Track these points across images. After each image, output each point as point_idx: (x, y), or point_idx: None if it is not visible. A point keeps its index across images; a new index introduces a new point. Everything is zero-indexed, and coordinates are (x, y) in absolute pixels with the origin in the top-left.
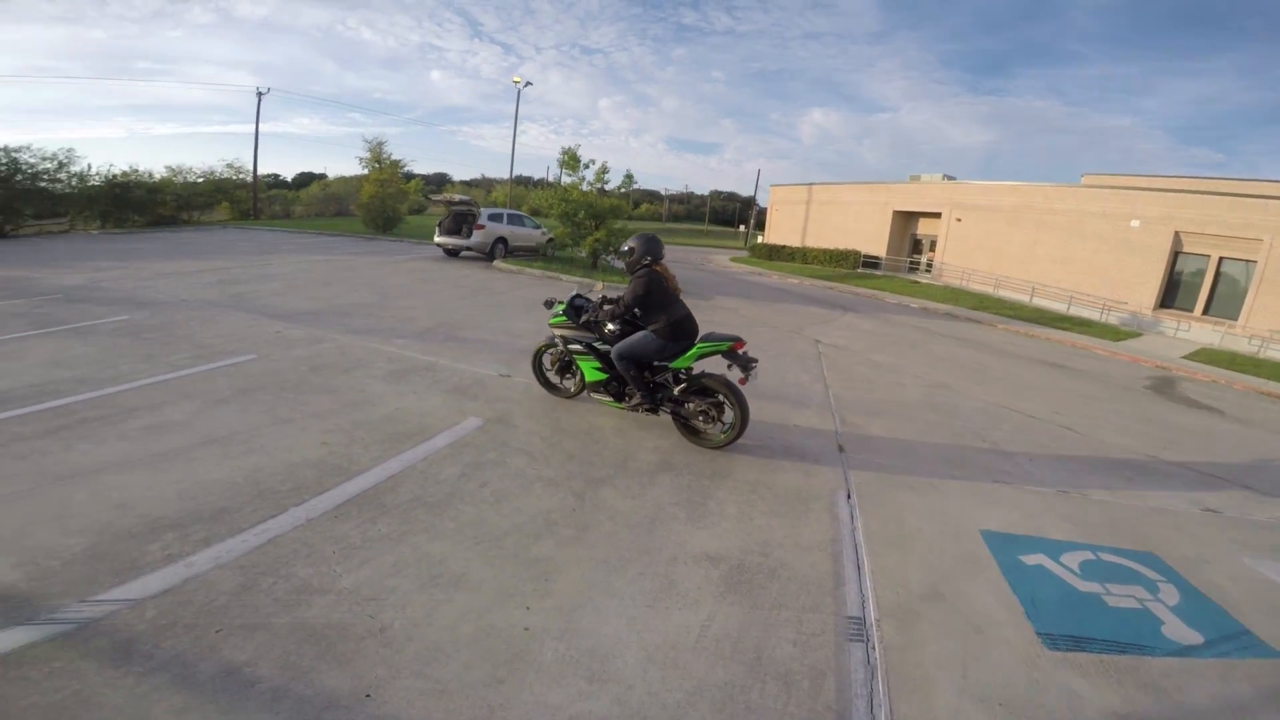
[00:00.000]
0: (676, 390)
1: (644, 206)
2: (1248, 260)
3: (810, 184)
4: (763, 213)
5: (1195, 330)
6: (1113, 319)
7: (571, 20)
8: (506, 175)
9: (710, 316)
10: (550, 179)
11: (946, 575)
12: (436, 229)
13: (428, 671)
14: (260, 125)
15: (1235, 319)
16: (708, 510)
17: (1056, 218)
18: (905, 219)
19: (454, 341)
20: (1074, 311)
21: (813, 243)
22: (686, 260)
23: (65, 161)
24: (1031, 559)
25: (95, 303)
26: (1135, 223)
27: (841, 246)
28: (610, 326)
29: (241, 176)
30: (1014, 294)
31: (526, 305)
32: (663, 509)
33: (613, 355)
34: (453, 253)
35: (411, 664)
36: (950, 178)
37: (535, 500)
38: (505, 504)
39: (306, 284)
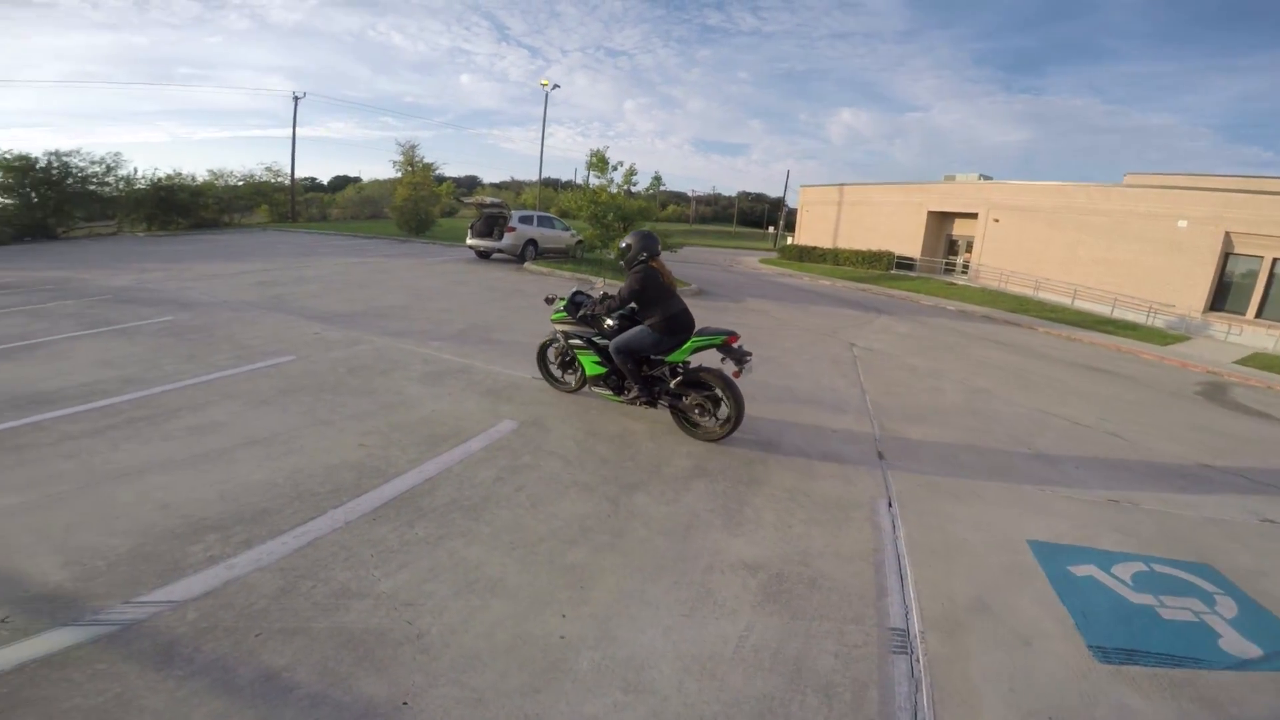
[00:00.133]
0: (672, 383)
1: (671, 208)
2: None
3: (841, 184)
4: (792, 214)
5: (1248, 334)
6: (1159, 322)
7: (596, 23)
8: (535, 177)
9: (741, 319)
10: (578, 181)
11: (993, 586)
12: (468, 231)
13: (464, 680)
14: (297, 129)
15: None
16: (744, 518)
17: (1099, 218)
18: (940, 220)
19: (487, 344)
20: (1118, 314)
21: (844, 244)
22: (714, 262)
23: (113, 165)
24: (1081, 570)
25: (141, 303)
26: (1182, 223)
27: (874, 248)
28: (609, 322)
29: (280, 180)
30: (1055, 296)
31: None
32: (698, 516)
33: (610, 349)
34: (484, 255)
35: (448, 672)
36: (986, 177)
37: (570, 505)
38: (540, 509)
39: (343, 286)
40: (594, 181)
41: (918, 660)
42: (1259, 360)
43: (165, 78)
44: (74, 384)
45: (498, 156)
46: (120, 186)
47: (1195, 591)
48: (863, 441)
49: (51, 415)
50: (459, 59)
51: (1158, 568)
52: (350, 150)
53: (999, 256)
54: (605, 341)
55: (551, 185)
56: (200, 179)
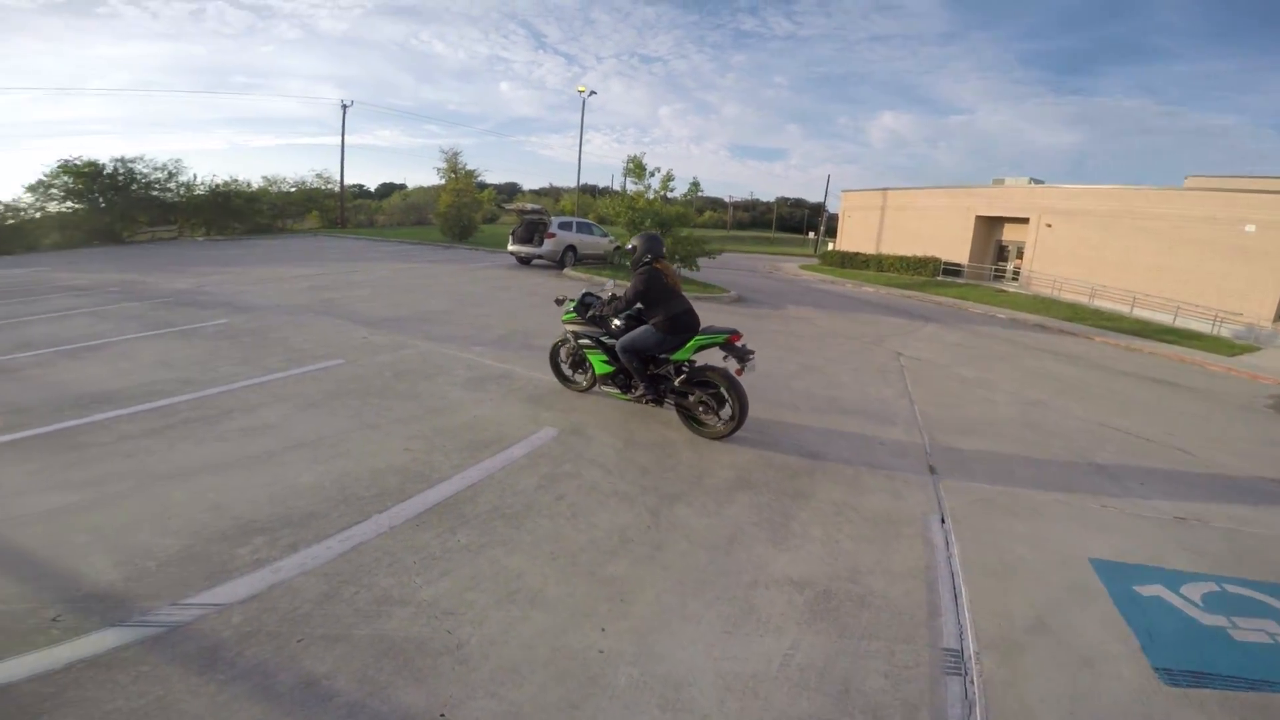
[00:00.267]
0: (677, 381)
1: (708, 214)
2: None
3: (885, 189)
4: (833, 219)
5: None
6: (1225, 331)
7: (629, 29)
8: (572, 184)
9: (783, 327)
10: (615, 187)
11: (1053, 606)
12: (510, 237)
13: (502, 693)
14: (345, 137)
15: None
16: (790, 532)
17: (1158, 223)
18: (989, 224)
19: (528, 349)
20: (1180, 323)
21: (888, 249)
22: (753, 268)
23: (174, 171)
24: (1148, 590)
25: (200, 306)
26: (1250, 227)
27: (920, 253)
28: (616, 322)
29: (330, 186)
30: (1111, 304)
31: None
32: (742, 529)
33: (617, 348)
34: (525, 260)
35: (486, 684)
36: (1038, 181)
37: (610, 515)
38: (580, 518)
39: (390, 291)
40: (631, 187)
41: (972, 682)
42: None
43: (222, 86)
44: (134, 384)
45: (537, 163)
46: (181, 192)
47: (1271, 613)
48: (912, 454)
49: (112, 414)
50: (498, 66)
51: (1230, 588)
52: (396, 158)
53: (1051, 262)
54: (613, 341)
55: (589, 191)
56: (255, 185)
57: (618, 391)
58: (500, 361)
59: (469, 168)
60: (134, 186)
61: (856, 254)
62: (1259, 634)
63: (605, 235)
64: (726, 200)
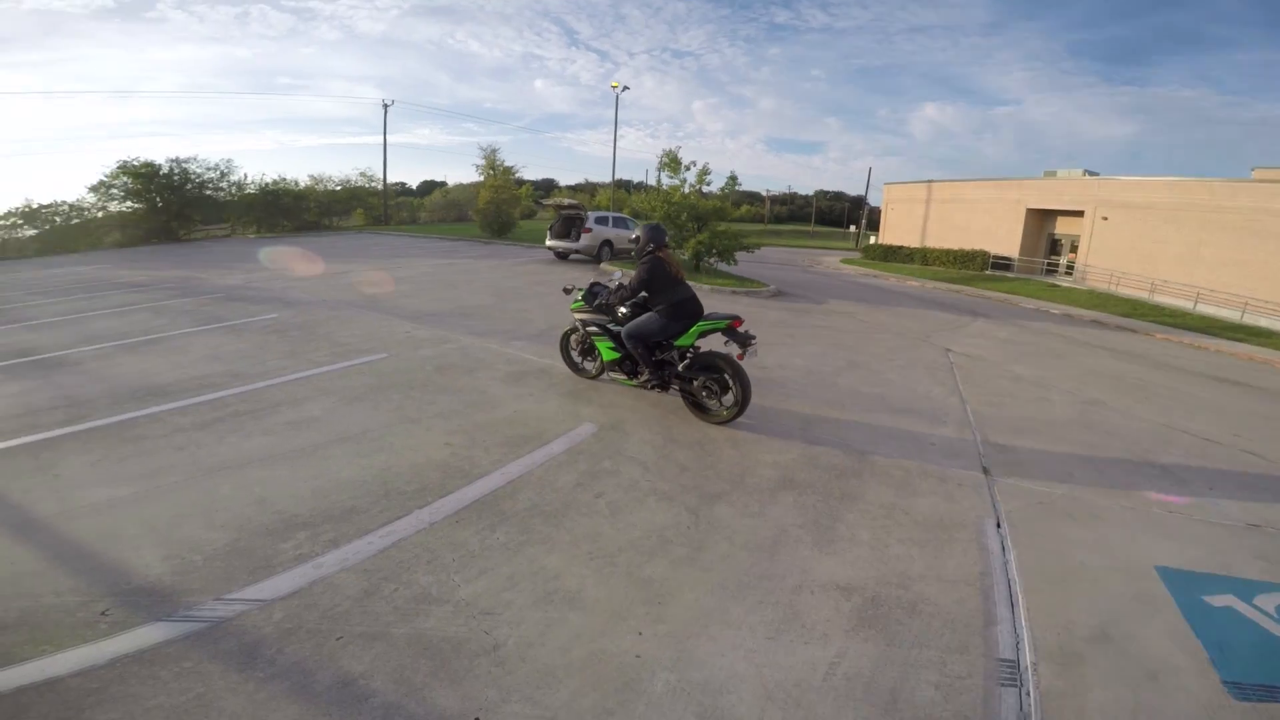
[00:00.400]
0: (680, 366)
1: (744, 208)
2: None
3: (929, 181)
4: (874, 212)
5: None
6: None
7: (661, 25)
8: (607, 179)
9: (825, 322)
10: (649, 182)
11: (1116, 615)
12: (547, 233)
13: (538, 697)
14: (387, 136)
15: None
16: (837, 535)
17: (1226, 216)
18: (1040, 217)
19: None
20: (1249, 320)
21: (933, 243)
22: (793, 262)
23: (226, 171)
24: (1219, 600)
25: (249, 301)
26: None
27: (967, 247)
28: (622, 310)
29: (373, 185)
30: (1173, 300)
31: None
32: (785, 531)
33: (623, 335)
34: (562, 255)
35: (522, 687)
36: (1092, 173)
37: (649, 514)
38: (619, 517)
39: (432, 286)
40: (666, 182)
41: (1028, 693)
42: None
43: (268, 88)
44: (187, 377)
45: (572, 159)
46: (232, 191)
47: None
48: (965, 455)
49: (166, 407)
50: (532, 64)
51: None
52: (436, 156)
53: (1108, 256)
54: (619, 328)
55: (623, 186)
56: (302, 184)
57: (624, 377)
58: (540, 356)
59: (507, 164)
60: (188, 186)
61: (900, 247)
62: None
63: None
64: (763, 194)
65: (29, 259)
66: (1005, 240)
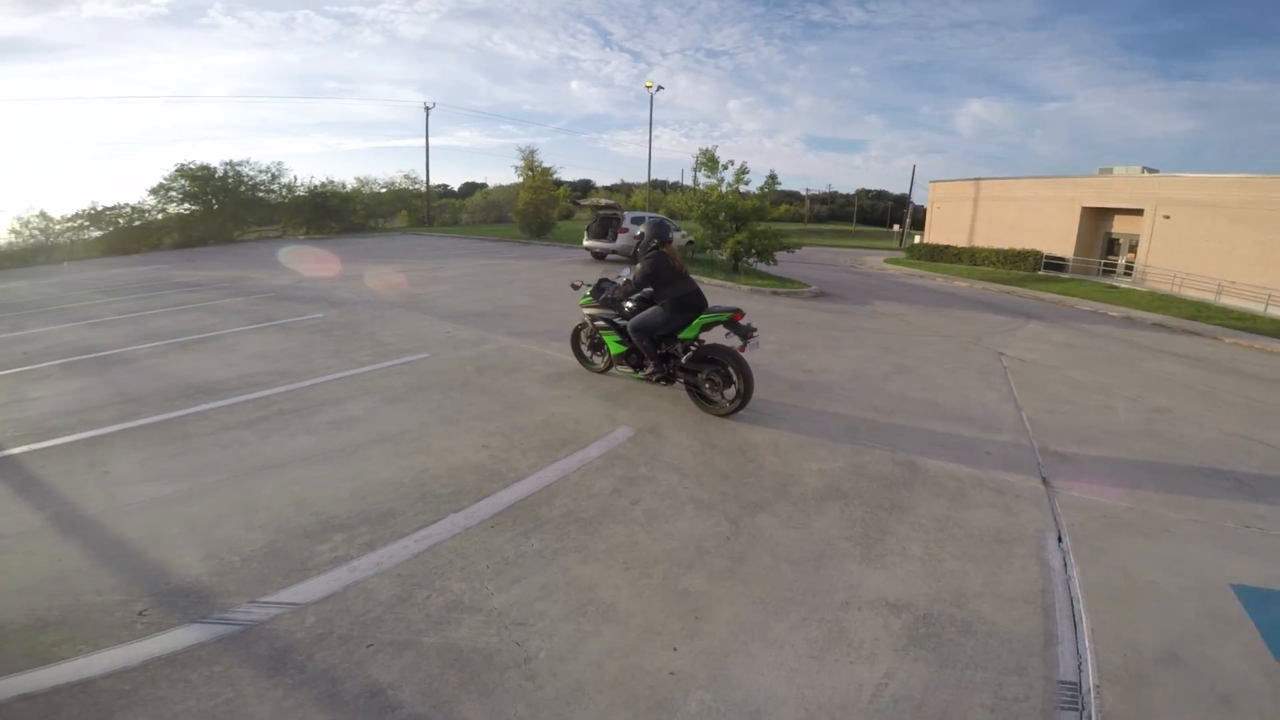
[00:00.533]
0: (684, 359)
1: (783, 207)
2: None
3: (977, 179)
4: (919, 211)
5: None
6: None
7: (694, 24)
8: (643, 179)
9: (871, 324)
10: (685, 182)
11: (1187, 636)
12: (585, 233)
13: (567, 713)
14: (429, 139)
15: None
16: (886, 548)
17: None
18: (1096, 216)
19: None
20: None
21: (982, 242)
22: (835, 262)
23: (276, 174)
24: None
25: (297, 301)
26: None
27: (1018, 246)
28: (628, 304)
29: (416, 187)
30: (1242, 302)
31: None
32: (832, 544)
33: (629, 328)
34: (600, 256)
35: (552, 703)
36: (1151, 170)
37: (687, 524)
38: (656, 526)
39: (473, 286)
40: (704, 181)
41: (1090, 718)
42: None
43: (315, 91)
44: (236, 375)
45: (608, 160)
46: (283, 193)
47: None
48: (1023, 466)
49: (214, 405)
50: (568, 66)
51: None
52: (477, 158)
53: (1170, 257)
54: (625, 322)
55: (659, 187)
56: (349, 186)
57: (630, 370)
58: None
59: (545, 165)
60: (242, 188)
61: (947, 247)
62: None
63: (678, 230)
64: (803, 193)
65: (95, 259)
66: (1059, 240)
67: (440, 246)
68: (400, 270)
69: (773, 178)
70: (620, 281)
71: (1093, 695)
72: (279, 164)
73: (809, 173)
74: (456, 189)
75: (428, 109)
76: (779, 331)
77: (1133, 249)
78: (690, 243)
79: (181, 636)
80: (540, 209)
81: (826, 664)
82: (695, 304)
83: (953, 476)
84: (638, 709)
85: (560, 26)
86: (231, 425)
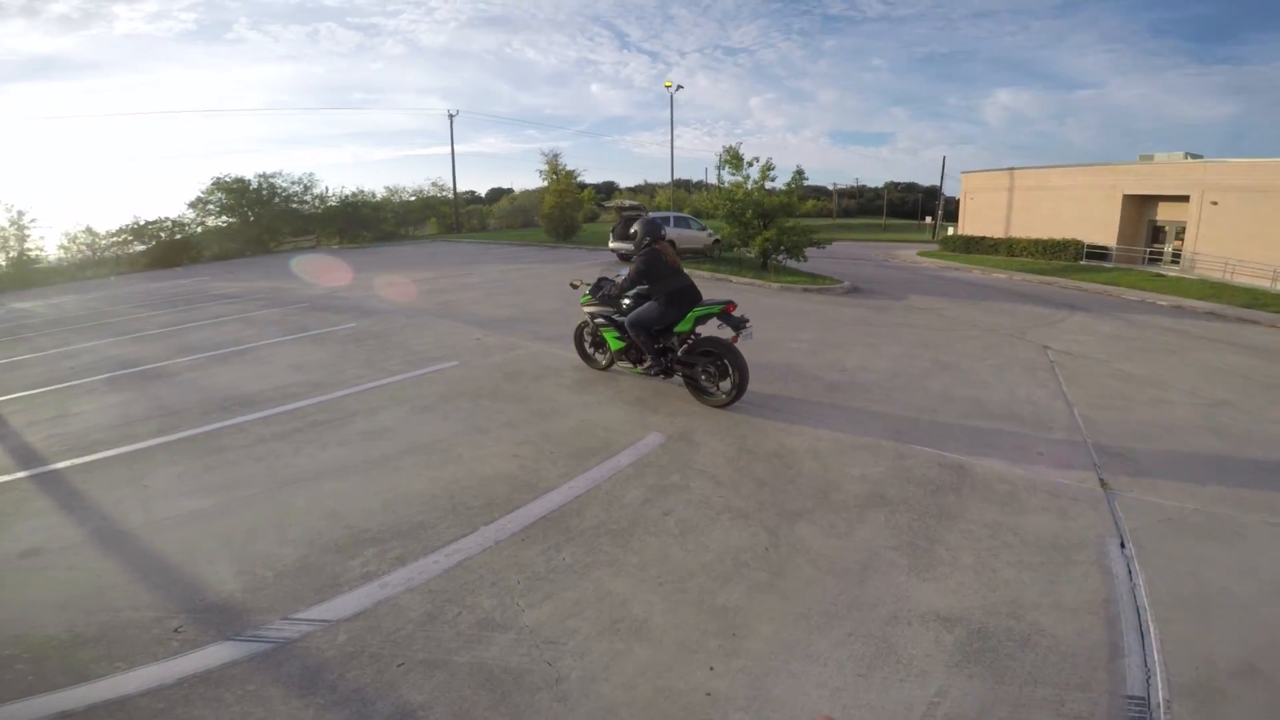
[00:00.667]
0: (680, 351)
1: (810, 203)
2: None
3: (1011, 168)
4: (950, 202)
5: None
6: None
7: (710, 22)
8: (666, 179)
9: (908, 319)
10: (709, 181)
11: (1266, 647)
12: (610, 235)
13: None
14: (455, 146)
15: None
16: (936, 558)
17: None
18: (1139, 204)
19: None
20: None
21: (1019, 233)
22: (866, 256)
23: (309, 185)
24: None
25: (331, 310)
26: None
27: (1058, 236)
28: (626, 301)
29: (444, 194)
30: None
31: None
32: (877, 554)
33: (626, 323)
34: (625, 257)
35: None
36: (1195, 156)
37: (722, 535)
38: (690, 538)
39: (502, 292)
40: (728, 179)
41: None
42: None
43: (343, 103)
44: (271, 387)
45: (630, 161)
46: (316, 204)
47: None
48: (1077, 466)
49: (250, 418)
50: (587, 69)
51: None
52: (502, 163)
53: (1221, 243)
54: (623, 318)
55: (683, 186)
56: (379, 195)
57: (630, 365)
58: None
59: (568, 168)
60: (275, 200)
61: (982, 238)
62: None
63: (704, 229)
64: (830, 188)
65: (140, 273)
66: (1100, 228)
67: (468, 253)
68: (430, 277)
69: (800, 173)
70: (618, 280)
71: (1163, 711)
72: (310, 175)
73: (836, 167)
74: (483, 195)
75: (451, 116)
76: (813, 330)
77: (1179, 236)
78: (716, 241)
79: (215, 654)
80: (565, 212)
81: (874, 682)
82: (689, 298)
83: (1003, 479)
84: None
85: (577, 30)
86: (265, 438)
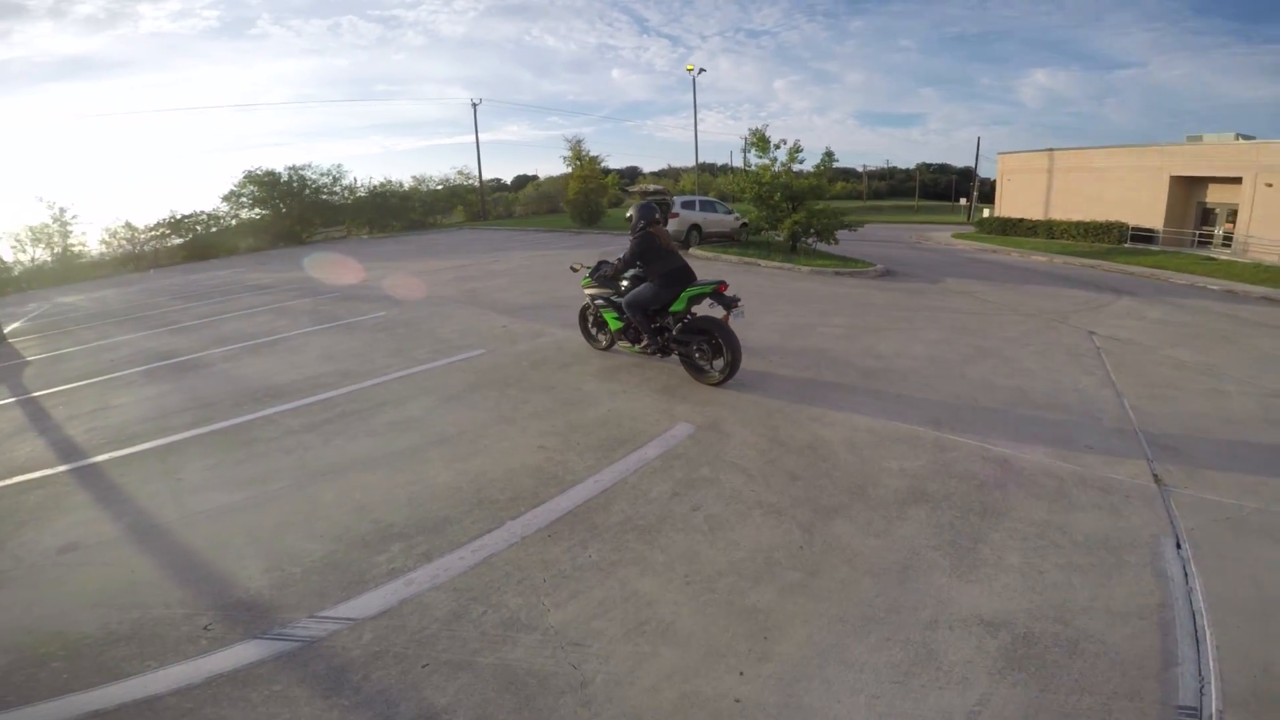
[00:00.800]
0: (675, 330)
1: (839, 184)
2: None
3: (1050, 149)
4: (985, 183)
5: None
6: None
7: (730, 5)
8: (690, 163)
9: (944, 303)
10: (733, 164)
11: None
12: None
13: None
14: (480, 135)
15: None
16: (979, 558)
17: None
18: (1187, 185)
19: None
20: None
21: (1059, 215)
22: (898, 239)
23: (337, 176)
24: None
25: (361, 300)
26: None
27: (1100, 218)
28: (624, 283)
29: (470, 182)
30: None
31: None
32: (917, 554)
33: (623, 304)
34: None
35: None
36: (1246, 137)
37: (754, 532)
38: (720, 534)
39: (528, 279)
40: (755, 162)
41: None
42: None
43: (368, 94)
44: (302, 378)
45: (653, 146)
46: (345, 195)
47: None
48: (1129, 461)
49: (280, 409)
50: (607, 55)
51: None
52: (526, 151)
53: (1276, 226)
54: (621, 299)
55: (707, 169)
56: (406, 185)
57: (629, 345)
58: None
59: (592, 154)
60: (306, 191)
61: (1020, 220)
62: None
63: (730, 212)
64: (860, 170)
65: (178, 265)
66: (1146, 211)
67: (494, 240)
68: (457, 264)
69: (829, 155)
70: (615, 263)
71: None
72: (339, 166)
73: (865, 149)
74: (509, 182)
75: (475, 105)
76: (845, 314)
77: (1231, 219)
78: (744, 225)
79: (243, 653)
80: (590, 198)
81: (912, 690)
82: (683, 279)
83: (1051, 474)
84: None
85: (596, 16)
86: (295, 429)
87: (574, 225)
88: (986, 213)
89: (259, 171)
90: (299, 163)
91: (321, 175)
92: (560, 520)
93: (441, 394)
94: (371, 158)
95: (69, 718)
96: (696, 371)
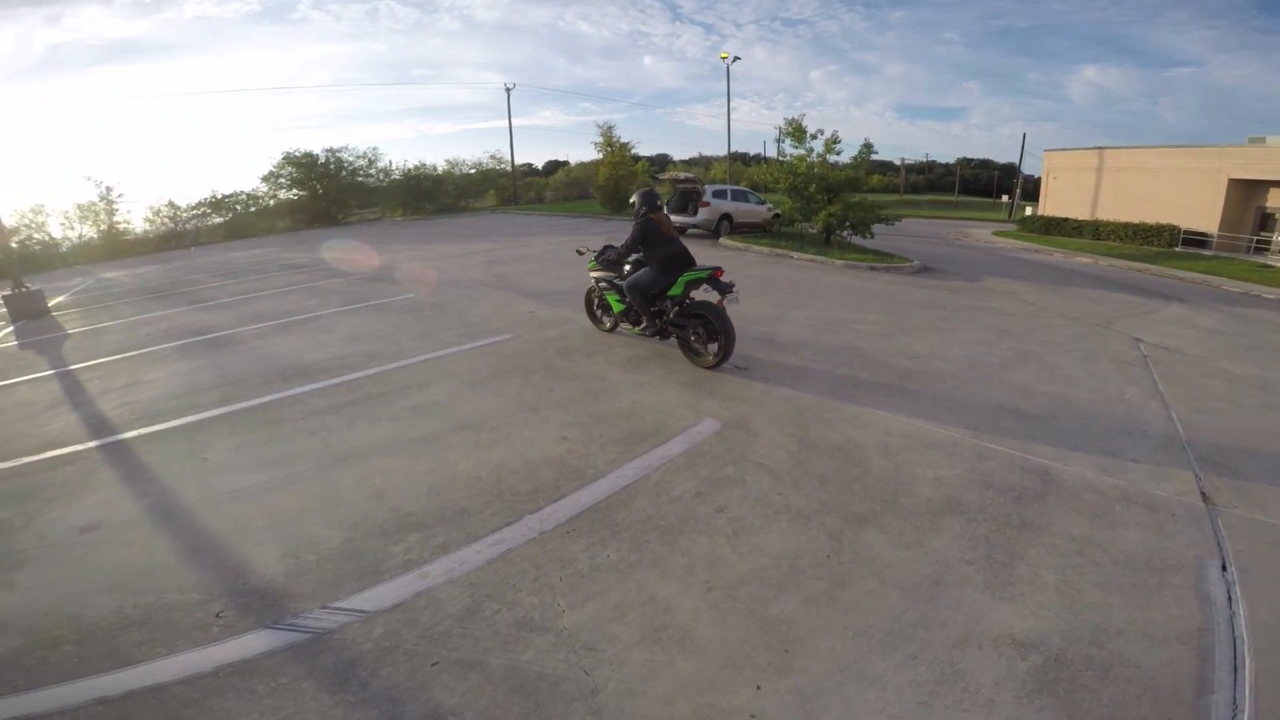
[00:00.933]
0: (672, 314)
1: (876, 177)
2: None
3: (1099, 148)
4: (1029, 181)
5: None
6: None
7: None
8: (721, 152)
9: (983, 303)
10: (766, 153)
11: None
12: (665, 207)
13: None
14: (512, 120)
15: None
16: (1014, 575)
17: None
18: (1246, 189)
19: None
20: None
21: (1106, 215)
22: (936, 235)
23: (373, 159)
24: None
25: (391, 281)
26: None
27: (1150, 220)
28: (626, 267)
29: (503, 167)
30: None
31: (759, 285)
32: (949, 567)
33: (625, 286)
34: (680, 230)
35: None
36: None
37: (779, 538)
38: (743, 539)
39: (556, 264)
40: (790, 152)
41: None
42: None
43: (404, 79)
44: (329, 358)
45: (684, 133)
46: (380, 178)
47: None
48: (1176, 476)
49: (307, 389)
50: (639, 41)
51: None
52: (558, 136)
53: None
54: (623, 283)
55: (739, 159)
56: (440, 169)
57: (631, 327)
58: (659, 340)
59: (622, 141)
60: (342, 174)
61: (1065, 220)
62: None
63: (763, 203)
64: (897, 163)
65: (218, 244)
66: (1200, 214)
67: (525, 224)
68: (487, 248)
69: (868, 146)
70: (619, 247)
71: None
72: (375, 149)
73: (903, 142)
74: (540, 167)
75: (508, 90)
76: (880, 311)
77: None
78: (776, 216)
79: (253, 643)
80: (620, 184)
81: (936, 711)
82: (681, 264)
83: (1093, 488)
84: None
85: (629, 2)
86: (320, 410)
87: (603, 211)
88: (1029, 210)
89: (297, 153)
90: (336, 145)
91: (357, 158)
92: (580, 516)
93: (466, 379)
94: (406, 141)
95: (75, 704)
96: (692, 354)
